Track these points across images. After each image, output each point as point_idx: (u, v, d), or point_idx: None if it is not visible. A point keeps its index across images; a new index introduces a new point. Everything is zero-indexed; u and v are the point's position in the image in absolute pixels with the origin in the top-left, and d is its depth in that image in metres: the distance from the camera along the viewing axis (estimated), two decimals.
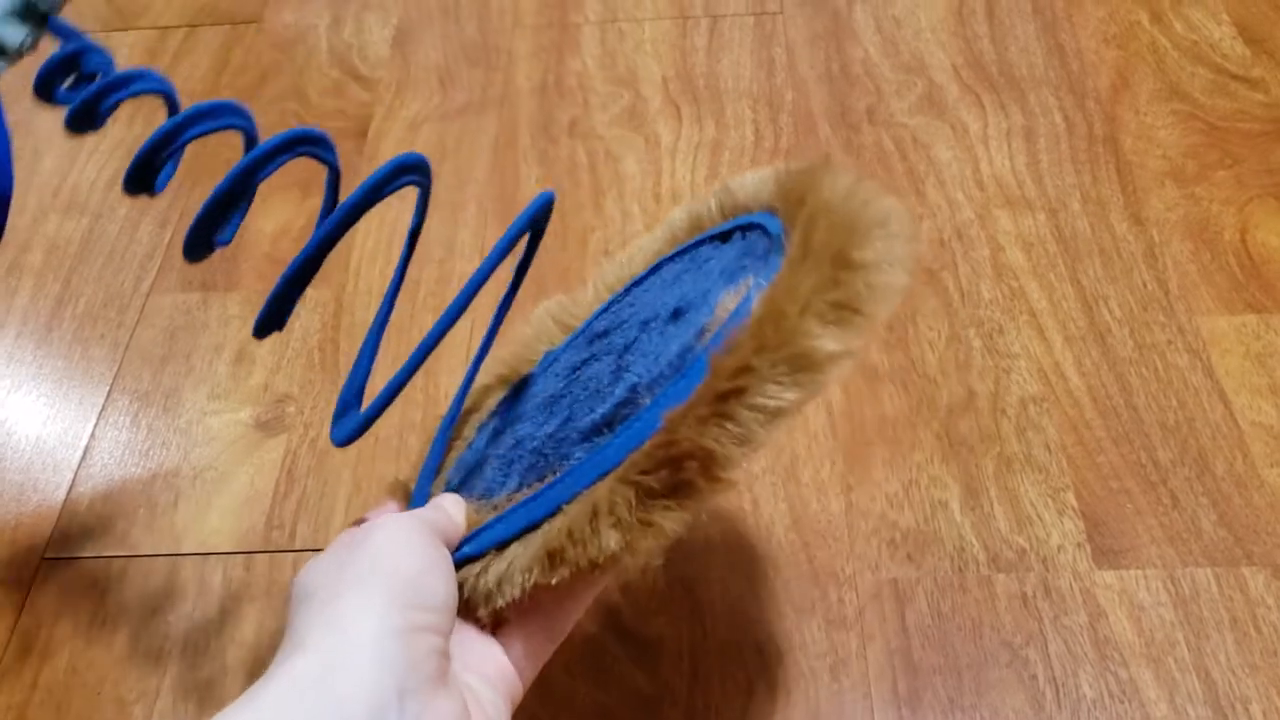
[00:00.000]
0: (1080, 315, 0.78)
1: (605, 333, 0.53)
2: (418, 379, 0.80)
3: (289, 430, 0.78)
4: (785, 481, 0.71)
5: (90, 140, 0.99)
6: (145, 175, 0.48)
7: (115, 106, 0.51)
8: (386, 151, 0.96)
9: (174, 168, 0.51)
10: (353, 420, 0.50)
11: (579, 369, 0.52)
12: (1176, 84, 0.93)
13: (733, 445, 0.37)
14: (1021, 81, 0.95)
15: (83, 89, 0.50)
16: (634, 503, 0.39)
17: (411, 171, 0.49)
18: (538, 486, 0.45)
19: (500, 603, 0.43)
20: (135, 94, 0.51)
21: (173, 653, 0.67)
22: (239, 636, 0.68)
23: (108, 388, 0.82)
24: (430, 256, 0.86)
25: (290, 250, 0.89)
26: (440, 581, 0.41)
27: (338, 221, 0.46)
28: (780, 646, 0.64)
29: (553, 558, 0.41)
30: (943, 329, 0.78)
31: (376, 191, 0.47)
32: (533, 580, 0.41)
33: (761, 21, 1.04)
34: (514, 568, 0.43)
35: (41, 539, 0.73)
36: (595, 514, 0.40)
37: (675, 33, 1.04)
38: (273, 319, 0.49)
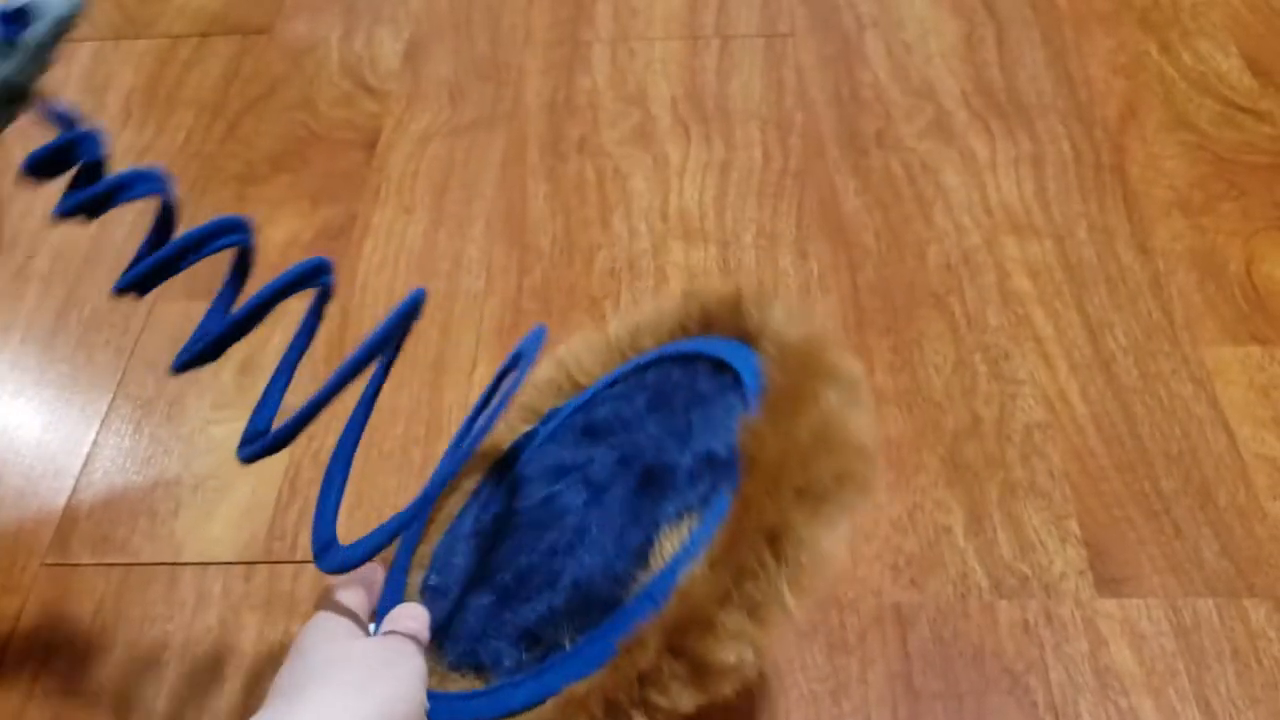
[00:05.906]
0: (1085, 343, 0.78)
1: (589, 434, 0.59)
2: (423, 393, 0.80)
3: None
4: None
5: None
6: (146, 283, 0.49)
7: (114, 206, 0.48)
8: (395, 164, 0.96)
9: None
10: (260, 443, 0.52)
11: (552, 495, 0.56)
12: (1184, 115, 0.94)
13: None
14: (1030, 109, 0.95)
15: (80, 184, 0.48)
16: None
17: (314, 274, 0.52)
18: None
19: None
20: (136, 198, 0.49)
21: (171, 662, 0.67)
22: (238, 646, 0.67)
23: (111, 395, 0.82)
24: (437, 270, 0.87)
25: (299, 259, 0.88)
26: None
27: (239, 322, 0.49)
28: (782, 669, 0.64)
29: None
30: (949, 353, 0.78)
31: (278, 296, 0.50)
32: None
33: (772, 44, 1.04)
34: None
35: (42, 545, 0.73)
36: None
37: (686, 53, 1.04)
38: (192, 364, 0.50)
